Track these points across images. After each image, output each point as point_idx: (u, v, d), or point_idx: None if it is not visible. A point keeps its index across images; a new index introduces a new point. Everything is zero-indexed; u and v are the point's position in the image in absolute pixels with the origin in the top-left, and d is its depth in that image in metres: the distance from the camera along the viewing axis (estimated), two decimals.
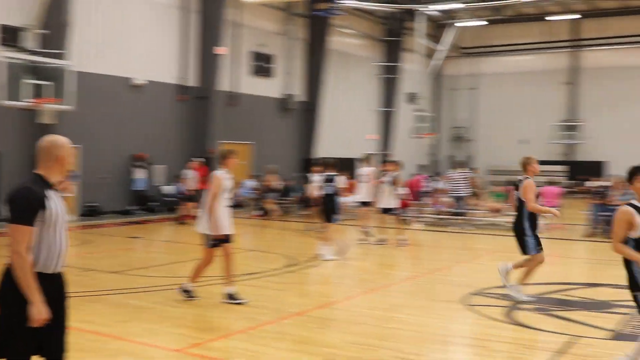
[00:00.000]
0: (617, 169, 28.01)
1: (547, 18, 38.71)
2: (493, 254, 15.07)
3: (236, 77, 28.22)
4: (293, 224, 21.84)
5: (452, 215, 20.63)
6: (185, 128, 25.99)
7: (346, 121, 35.89)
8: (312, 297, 10.53)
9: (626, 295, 6.36)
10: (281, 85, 30.97)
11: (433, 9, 32.58)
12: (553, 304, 9.65)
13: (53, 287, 4.40)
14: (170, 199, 24.40)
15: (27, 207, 4.23)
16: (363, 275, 12.75)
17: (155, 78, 24.68)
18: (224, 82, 27.31)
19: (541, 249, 9.71)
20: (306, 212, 23.95)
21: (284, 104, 30.90)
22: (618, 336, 7.97)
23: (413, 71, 37.05)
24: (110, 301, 9.61)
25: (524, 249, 9.72)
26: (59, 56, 18.35)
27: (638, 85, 38.80)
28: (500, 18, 39.15)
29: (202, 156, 24.04)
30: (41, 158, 4.50)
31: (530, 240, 9.59)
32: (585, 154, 40.55)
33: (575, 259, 15.61)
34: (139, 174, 23.51)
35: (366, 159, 18.23)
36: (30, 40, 16.50)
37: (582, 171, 38.62)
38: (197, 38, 26.26)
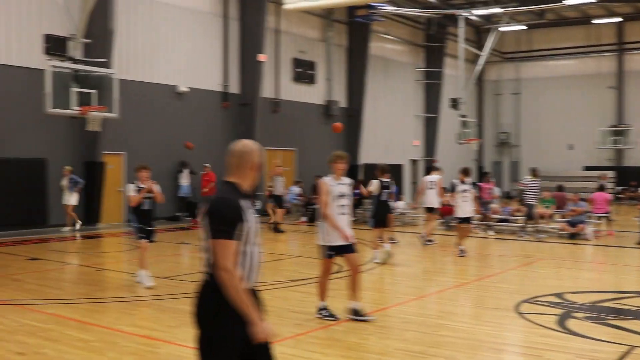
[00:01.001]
0: None
1: (590, 22, 38.11)
2: (543, 261, 14.85)
3: (278, 84, 28.34)
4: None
5: (525, 222, 19.69)
6: (228, 135, 26.12)
7: (387, 127, 35.82)
8: (361, 303, 10.46)
9: None
10: (323, 92, 31.00)
11: (474, 13, 32.31)
12: (607, 313, 9.45)
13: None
14: None
15: (229, 220, 3.94)
16: (413, 281, 12.66)
17: (198, 85, 24.92)
18: (266, 89, 27.45)
19: None
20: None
21: (326, 110, 30.91)
22: None
23: (455, 76, 36.80)
24: (160, 306, 9.68)
25: None
26: (103, 64, 18.61)
27: None
28: (542, 22, 38.72)
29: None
30: (233, 165, 4.23)
31: None
32: (633, 159, 39.83)
33: (628, 266, 15.26)
34: (184, 180, 23.73)
35: (435, 167, 18.64)
36: (74, 49, 16.74)
37: (630, 177, 37.94)
38: (238, 45, 26.46)
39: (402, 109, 37.15)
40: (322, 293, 8.92)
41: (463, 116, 31.64)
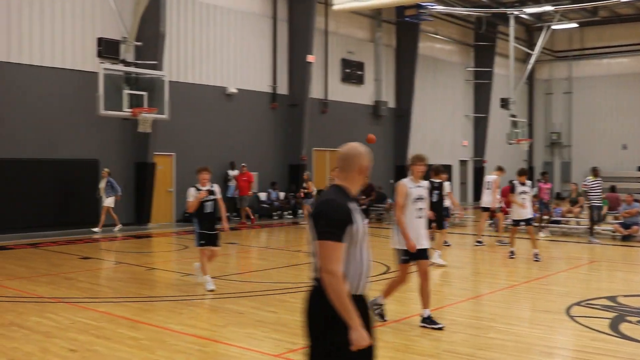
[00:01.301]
0: None
1: None
2: (595, 264, 14.57)
3: (326, 85, 28.37)
4: (386, 230, 21.69)
5: (592, 225, 18.71)
6: (277, 136, 26.29)
7: (436, 127, 35.60)
8: (409, 304, 10.40)
9: None
10: (371, 92, 30.94)
11: (525, 12, 31.86)
12: None
13: (358, 310, 3.82)
14: (265, 205, 24.97)
15: (337, 221, 3.81)
16: (462, 283, 12.54)
17: (247, 87, 25.11)
18: (315, 90, 27.51)
19: None
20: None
21: (374, 110, 30.84)
22: None
23: (505, 76, 36.35)
24: (209, 305, 9.78)
25: None
26: (153, 67, 18.89)
27: None
28: (595, 20, 37.97)
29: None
30: (342, 168, 4.10)
31: None
32: None
33: None
34: (232, 181, 23.91)
35: (499, 168, 18.55)
36: (126, 52, 17.02)
37: None
38: (287, 46, 26.57)
39: (451, 109, 36.86)
40: (388, 291, 8.84)
41: (513, 116, 31.23)
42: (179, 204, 22.75)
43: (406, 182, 8.72)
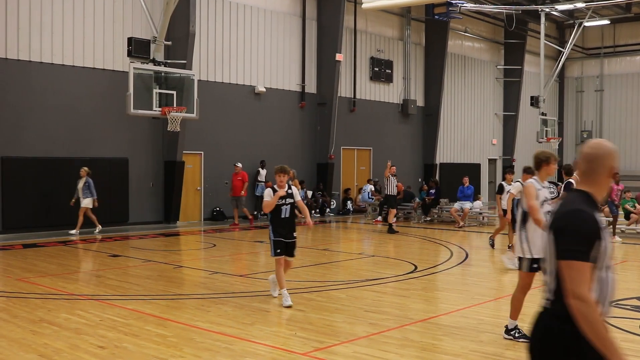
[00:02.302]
0: None
1: None
2: (625, 264, 14.38)
3: (355, 83, 28.34)
4: (414, 229, 21.64)
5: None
6: (305, 134, 26.32)
7: (465, 126, 35.40)
8: (437, 303, 10.37)
9: None
10: (400, 91, 30.83)
11: (556, 9, 31.52)
12: None
13: None
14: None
15: (586, 237, 3.23)
16: (488, 282, 12.45)
17: (276, 85, 25.17)
18: (343, 88, 27.50)
19: None
20: (428, 218, 23.79)
21: (403, 109, 30.75)
22: None
23: (535, 73, 36.02)
24: (236, 303, 9.81)
25: None
26: (183, 66, 19.00)
27: None
28: (627, 16, 37.44)
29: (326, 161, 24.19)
30: (587, 170, 3.49)
31: None
32: None
33: None
34: (262, 179, 23.92)
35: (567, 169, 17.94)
36: (156, 52, 17.13)
37: None
38: (316, 45, 26.58)
39: (481, 108, 36.62)
40: (515, 310, 7.99)
41: (543, 114, 30.91)
42: (207, 202, 22.89)
43: (534, 183, 7.99)
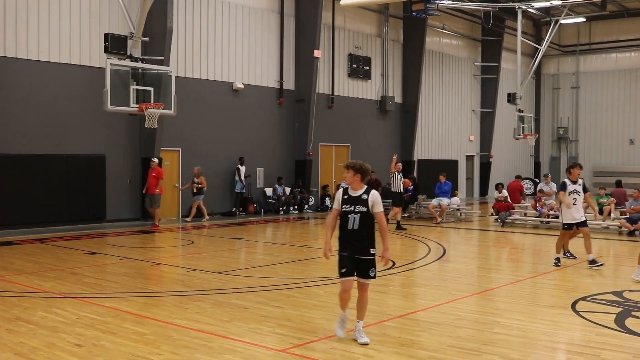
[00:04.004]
0: None
1: None
2: (601, 259, 14.51)
3: (333, 80, 28.35)
4: (392, 225, 21.68)
5: None
6: (283, 131, 26.31)
7: (443, 122, 35.57)
8: (415, 299, 10.42)
9: None
10: (378, 87, 30.90)
11: (533, 6, 31.72)
12: None
13: None
14: (271, 200, 25.02)
15: None
16: (466, 278, 12.52)
17: (254, 82, 25.12)
18: (322, 85, 27.51)
19: None
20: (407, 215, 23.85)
21: (381, 105, 30.82)
22: None
23: (512, 70, 36.27)
24: (214, 300, 9.78)
25: None
26: (160, 62, 18.90)
27: None
28: (603, 14, 37.78)
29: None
30: None
31: None
32: None
33: None
34: (240, 176, 23.90)
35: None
36: (133, 48, 17.01)
37: None
38: (294, 42, 26.57)
39: (458, 104, 36.81)
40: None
41: (520, 111, 31.11)
42: (185, 199, 22.79)
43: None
